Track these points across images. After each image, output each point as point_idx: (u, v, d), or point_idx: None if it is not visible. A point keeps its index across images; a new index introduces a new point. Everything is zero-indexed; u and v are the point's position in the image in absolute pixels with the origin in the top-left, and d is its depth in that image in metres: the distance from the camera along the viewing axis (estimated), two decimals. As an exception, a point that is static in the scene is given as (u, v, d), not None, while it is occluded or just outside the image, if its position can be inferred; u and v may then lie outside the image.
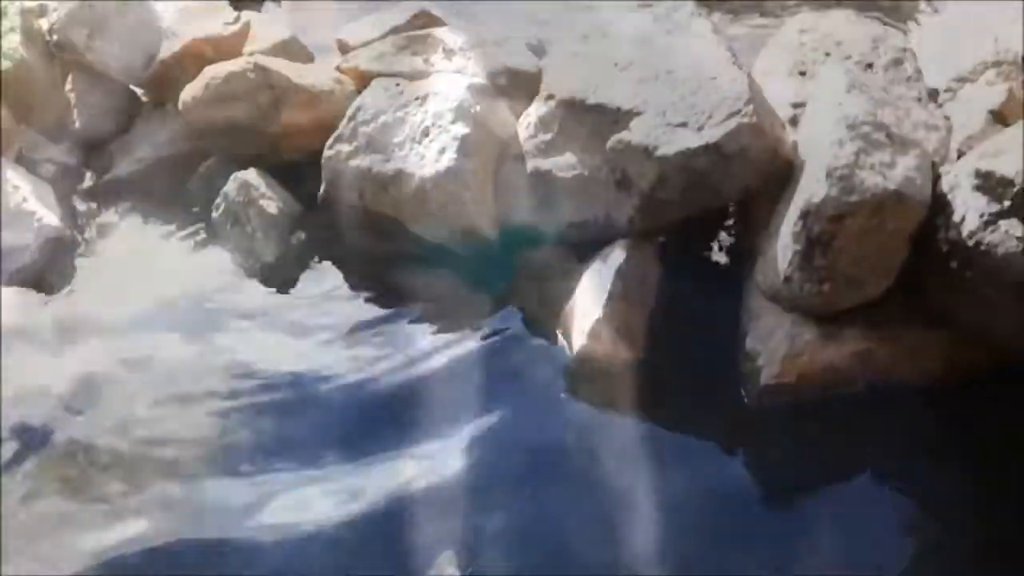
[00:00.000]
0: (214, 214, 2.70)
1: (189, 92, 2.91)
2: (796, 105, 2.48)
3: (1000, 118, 2.37)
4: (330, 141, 2.61)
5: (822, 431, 2.03)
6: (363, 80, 2.95)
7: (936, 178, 2.04)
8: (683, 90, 2.14)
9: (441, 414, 2.13)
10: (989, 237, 1.87)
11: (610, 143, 2.20)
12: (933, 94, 2.65)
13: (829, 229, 1.87)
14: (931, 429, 2.02)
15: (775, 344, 2.06)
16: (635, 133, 2.16)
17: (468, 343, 2.30)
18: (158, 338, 2.39)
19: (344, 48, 3.35)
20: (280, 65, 2.92)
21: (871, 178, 1.86)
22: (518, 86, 2.90)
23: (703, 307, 2.31)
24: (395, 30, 3.24)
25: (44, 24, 3.23)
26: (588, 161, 2.28)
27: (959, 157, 2.23)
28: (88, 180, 3.02)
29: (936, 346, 2.07)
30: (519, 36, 3.77)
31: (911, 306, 2.07)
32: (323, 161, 2.61)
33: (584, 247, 2.33)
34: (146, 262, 2.66)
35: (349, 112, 2.62)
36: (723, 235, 2.42)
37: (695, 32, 2.22)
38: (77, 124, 3.17)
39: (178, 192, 2.89)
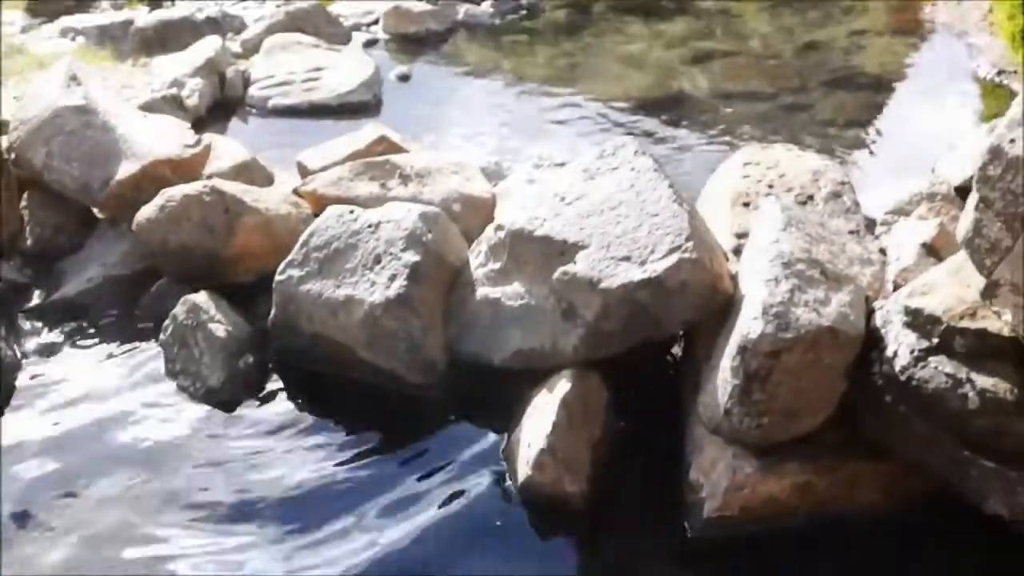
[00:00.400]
0: (162, 336, 2.69)
1: (144, 213, 2.94)
2: (740, 235, 2.57)
3: (933, 251, 2.45)
4: (282, 266, 2.64)
5: (762, 567, 2.03)
6: (320, 204, 3.02)
7: (870, 313, 2.10)
8: (626, 225, 2.20)
9: (381, 543, 2.10)
10: (920, 373, 1.91)
11: (556, 274, 2.25)
12: (871, 225, 2.75)
13: (766, 364, 1.90)
14: (868, 565, 2.02)
15: (717, 476, 2.07)
16: (580, 265, 2.21)
17: (412, 472, 2.28)
18: (86, 467, 2.33)
19: (304, 171, 3.43)
20: (237, 188, 2.97)
21: (805, 315, 1.91)
22: (472, 212, 2.98)
23: (648, 437, 2.32)
24: (354, 155, 3.34)
25: (3, 142, 3.26)
26: (535, 291, 2.32)
27: (895, 289, 2.30)
28: (36, 299, 3.00)
29: (874, 477, 2.09)
30: (478, 161, 3.91)
31: (850, 437, 2.10)
32: (274, 285, 2.63)
33: (531, 375, 2.35)
34: (87, 385, 2.63)
35: (302, 238, 2.65)
36: (668, 365, 2.46)
37: (639, 169, 2.29)
38: (29, 241, 3.18)
39: (127, 313, 2.89)
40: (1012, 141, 1.62)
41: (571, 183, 2.36)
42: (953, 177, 3.08)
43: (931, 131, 4.30)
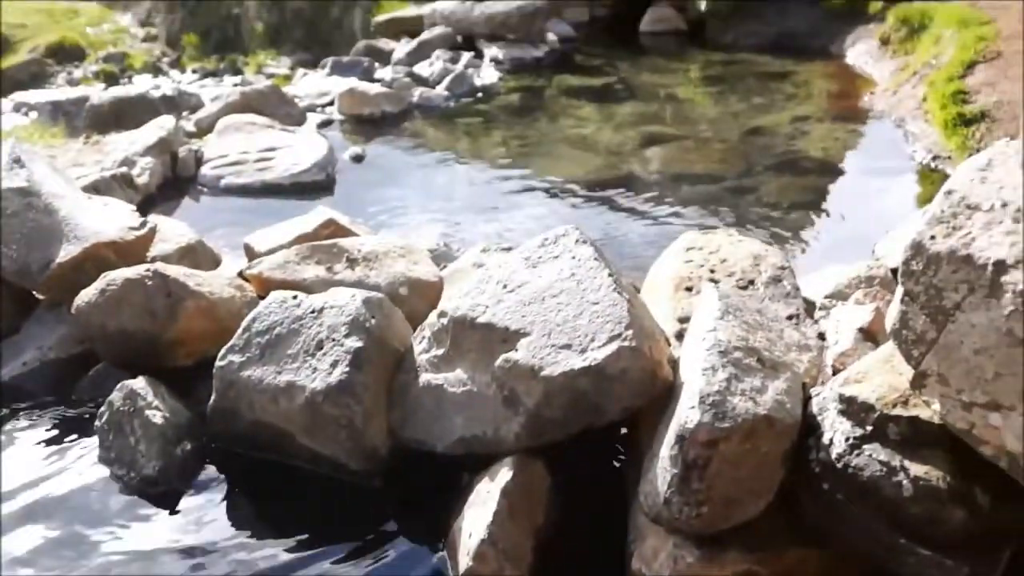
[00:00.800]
0: (97, 423, 2.63)
1: (84, 296, 2.90)
2: (682, 320, 2.59)
3: (869, 336, 2.50)
4: (223, 351, 2.61)
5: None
6: (266, 287, 3.00)
7: (807, 400, 2.12)
8: (567, 313, 2.21)
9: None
10: (855, 460, 1.92)
11: (498, 362, 2.24)
12: (810, 309, 2.80)
13: (704, 454, 1.90)
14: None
15: (659, 566, 2.05)
16: (522, 353, 2.21)
17: (351, 563, 2.23)
18: (8, 557, 2.25)
19: (251, 253, 3.43)
20: (180, 272, 2.95)
21: (742, 404, 1.92)
22: (419, 295, 2.99)
23: (592, 524, 2.30)
24: (302, 238, 3.35)
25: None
26: (478, 378, 2.32)
27: (834, 373, 2.33)
28: (-32, 384, 2.94)
29: (815, 564, 2.08)
30: (429, 242, 3.93)
31: (790, 524, 2.09)
32: (215, 371, 2.60)
33: (474, 462, 2.33)
34: (17, 473, 2.55)
35: (244, 323, 2.63)
36: (611, 453, 2.45)
37: (580, 257, 2.32)
38: (-36, 326, 3.12)
39: (64, 398, 2.83)
40: (932, 237, 1.67)
41: (513, 271, 2.37)
42: (890, 261, 3.16)
43: (871, 214, 4.42)
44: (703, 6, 7.70)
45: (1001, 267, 1.57)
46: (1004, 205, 1.65)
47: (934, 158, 4.94)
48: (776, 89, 6.38)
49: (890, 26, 6.84)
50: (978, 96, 5.09)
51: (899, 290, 1.78)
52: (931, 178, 4.80)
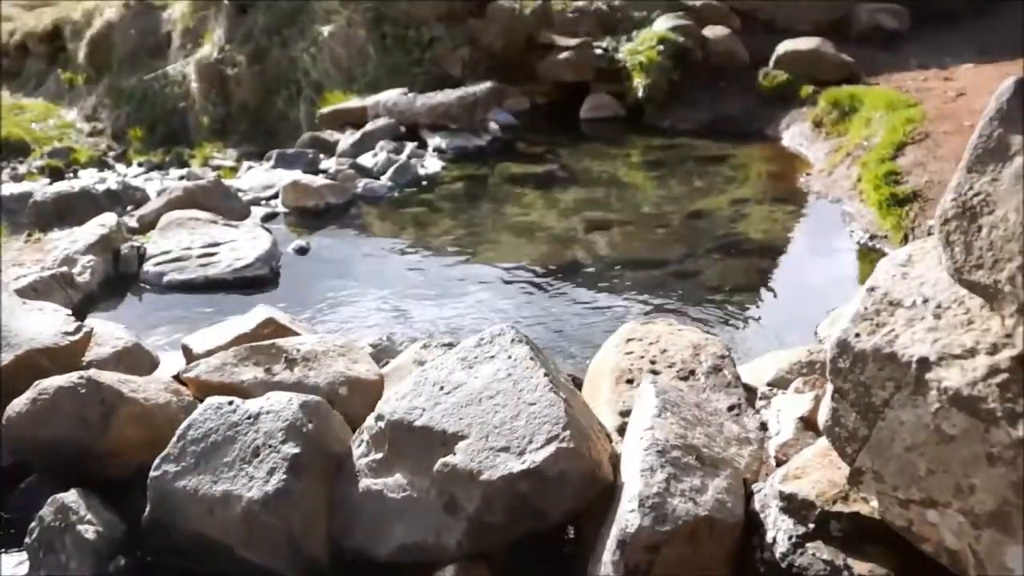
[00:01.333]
0: (27, 540, 2.53)
1: (15, 406, 2.83)
2: (623, 413, 2.59)
3: (810, 425, 2.50)
4: (157, 460, 2.54)
5: None
6: (203, 391, 2.95)
7: (749, 496, 2.11)
8: (505, 414, 2.20)
9: None
10: (799, 560, 1.91)
11: (437, 466, 2.21)
12: (752, 398, 2.81)
13: (645, 559, 1.88)
14: None
15: (607, 673, 2.00)
16: (460, 457, 2.18)
17: None
18: None
19: (189, 355, 3.37)
20: (114, 378, 2.88)
21: (682, 505, 1.91)
22: (359, 395, 2.95)
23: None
24: (240, 339, 3.30)
25: None
26: (417, 483, 2.28)
27: (777, 464, 2.33)
28: None
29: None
30: (372, 336, 3.90)
31: (739, 626, 2.06)
32: (149, 481, 2.52)
33: (417, 570, 2.27)
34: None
35: (179, 430, 2.57)
36: (556, 555, 2.41)
37: (516, 357, 2.31)
38: None
39: (-9, 516, 2.73)
40: (857, 335, 1.69)
41: (450, 372, 2.36)
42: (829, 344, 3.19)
43: (813, 295, 4.49)
44: (640, 92, 7.88)
45: (925, 364, 1.59)
46: (925, 301, 1.68)
47: (871, 238, 5.05)
48: (715, 172, 6.51)
49: (822, 109, 7.05)
50: (909, 177, 5.24)
51: (829, 387, 1.79)
52: (870, 257, 4.90)
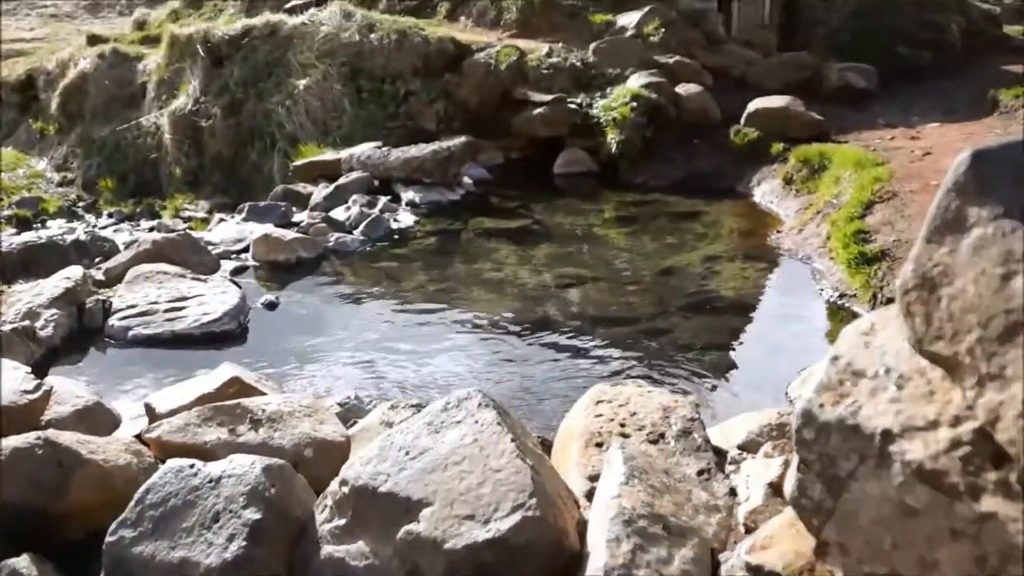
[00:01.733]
0: (-24, 609, 2.45)
1: (-31, 469, 2.75)
2: (592, 478, 2.56)
3: (779, 491, 2.48)
4: (114, 525, 2.47)
5: None
6: (165, 452, 2.89)
7: (716, 566, 2.08)
8: (470, 481, 2.16)
9: None
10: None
11: (400, 534, 2.17)
12: (721, 462, 2.79)
13: (611, 632, 1.84)
14: None
15: None
16: (424, 524, 2.14)
17: None
18: None
19: (152, 414, 3.31)
20: (73, 439, 2.82)
21: (646, 577, 1.88)
22: (325, 457, 2.90)
23: None
24: (205, 398, 3.25)
25: None
26: (380, 551, 2.23)
27: (747, 531, 2.30)
28: None
29: None
30: (340, 394, 3.86)
31: None
32: (104, 547, 2.45)
33: (378, 640, 2.22)
34: None
35: (138, 494, 2.51)
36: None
37: (482, 422, 2.28)
38: None
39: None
40: (821, 406, 1.68)
41: (416, 436, 2.32)
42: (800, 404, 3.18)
43: (783, 354, 4.50)
44: (614, 148, 7.95)
45: (888, 436, 1.58)
46: (887, 371, 1.68)
47: (841, 296, 5.09)
48: (687, 228, 6.56)
49: (792, 166, 7.15)
50: (878, 235, 5.30)
51: (795, 457, 1.78)
52: (839, 316, 4.93)
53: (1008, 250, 1.50)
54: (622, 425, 2.81)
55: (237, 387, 3.30)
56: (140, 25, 13.77)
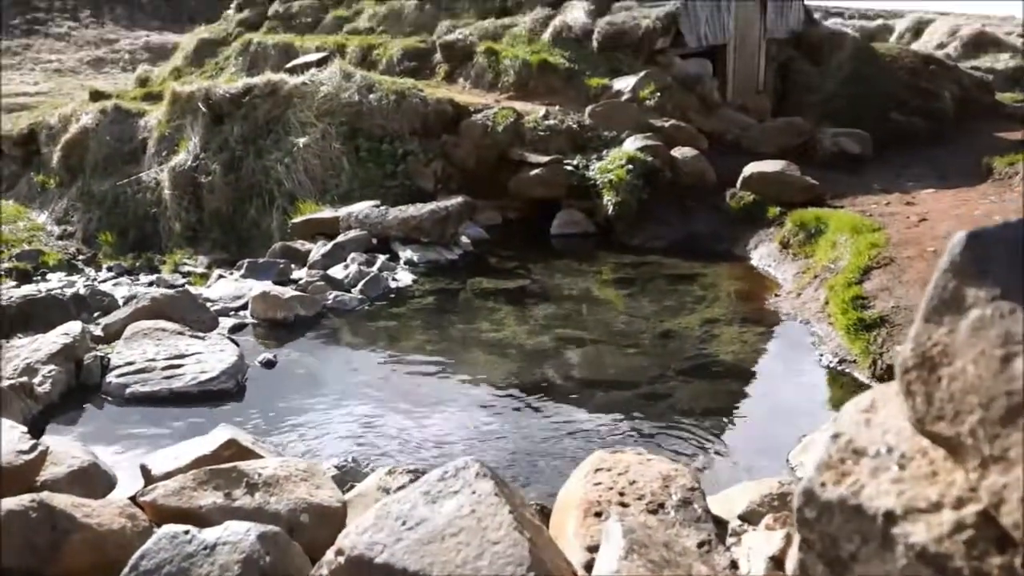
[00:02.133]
0: None
1: (-38, 531, 2.72)
2: (591, 548, 2.53)
3: (780, 564, 2.47)
4: (106, 599, 2.45)
5: None
6: (159, 516, 2.87)
7: (717, 643, 2.05)
8: (467, 553, 2.14)
9: None
10: None
11: (398, 606, 2.14)
12: (722, 533, 2.77)
13: None
14: None
15: None
16: (422, 596, 2.12)
17: None
18: None
19: (147, 476, 3.28)
20: (67, 502, 2.80)
21: (648, 654, 1.85)
22: (321, 523, 2.88)
23: None
24: (201, 461, 3.23)
25: None
26: (377, 622, 2.20)
27: (748, 605, 2.28)
28: None
29: None
30: (336, 457, 3.84)
31: None
32: (96, 616, 2.43)
33: None
34: None
35: (131, 561, 2.48)
36: None
37: (480, 493, 2.27)
38: None
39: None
40: (823, 485, 1.67)
41: (413, 506, 2.31)
42: (803, 472, 3.16)
43: (783, 420, 4.49)
44: (611, 210, 8.01)
45: (891, 518, 1.57)
46: (889, 450, 1.68)
47: (840, 362, 5.09)
48: (685, 291, 6.58)
49: (788, 230, 7.20)
50: (876, 301, 5.33)
51: (796, 536, 1.77)
52: (839, 381, 4.93)
53: (1007, 332, 1.51)
54: (621, 494, 2.79)
55: (233, 449, 3.28)
56: (143, 82, 13.94)
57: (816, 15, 15.27)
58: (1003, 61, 16.08)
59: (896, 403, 1.78)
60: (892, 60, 12.27)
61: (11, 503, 2.75)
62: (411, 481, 2.90)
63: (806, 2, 13.48)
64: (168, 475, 3.13)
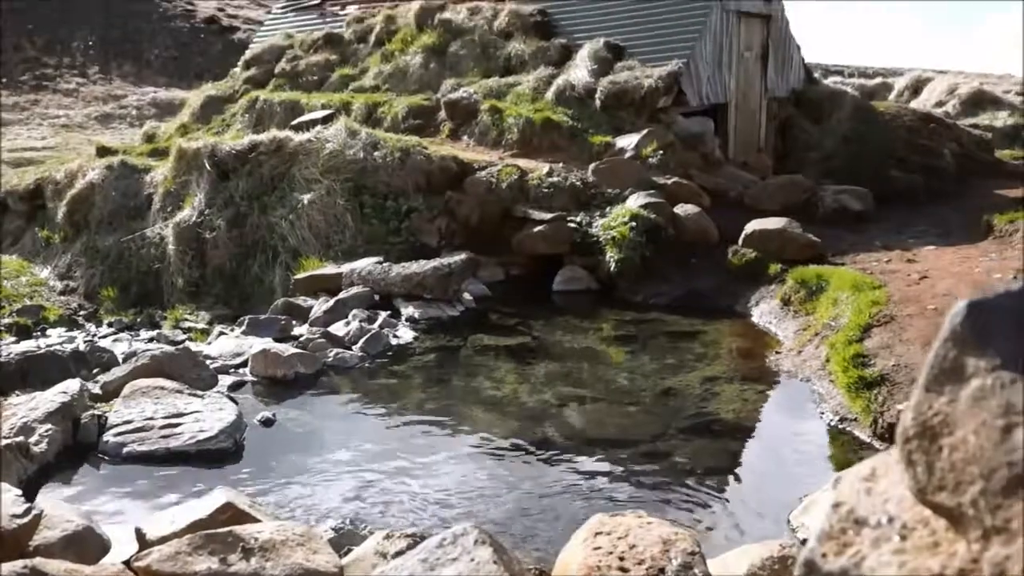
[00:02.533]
0: None
1: (-49, 593, 2.69)
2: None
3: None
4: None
5: None
6: (152, 582, 2.83)
7: None
8: (464, 622, 2.11)
9: None
10: None
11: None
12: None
13: None
14: None
15: None
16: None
17: None
18: None
19: (142, 540, 3.25)
20: (60, 568, 2.77)
21: None
22: (316, 587, 2.84)
23: None
24: (196, 524, 3.20)
25: None
26: None
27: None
28: None
29: None
30: (333, 519, 3.80)
31: None
32: None
33: None
34: None
35: (123, 629, 2.45)
36: None
37: (479, 560, 2.24)
38: None
39: None
40: (824, 556, 1.65)
41: (411, 574, 2.28)
42: (804, 533, 3.13)
43: (783, 480, 4.45)
44: (613, 266, 8.02)
45: (894, 591, 1.54)
46: (890, 520, 1.65)
47: (841, 420, 5.06)
48: (686, 348, 6.56)
49: (789, 287, 7.19)
50: (876, 359, 5.30)
51: (798, 609, 1.74)
52: (841, 440, 4.89)
53: (1008, 402, 1.50)
54: (621, 558, 2.76)
55: (230, 513, 3.25)
56: (149, 138, 14.07)
57: (816, 73, 15.45)
58: (1001, 119, 16.21)
59: (897, 471, 1.76)
60: (892, 118, 12.38)
61: (4, 569, 2.72)
62: (408, 546, 2.86)
63: (806, 61, 13.64)
64: (163, 539, 3.10)
